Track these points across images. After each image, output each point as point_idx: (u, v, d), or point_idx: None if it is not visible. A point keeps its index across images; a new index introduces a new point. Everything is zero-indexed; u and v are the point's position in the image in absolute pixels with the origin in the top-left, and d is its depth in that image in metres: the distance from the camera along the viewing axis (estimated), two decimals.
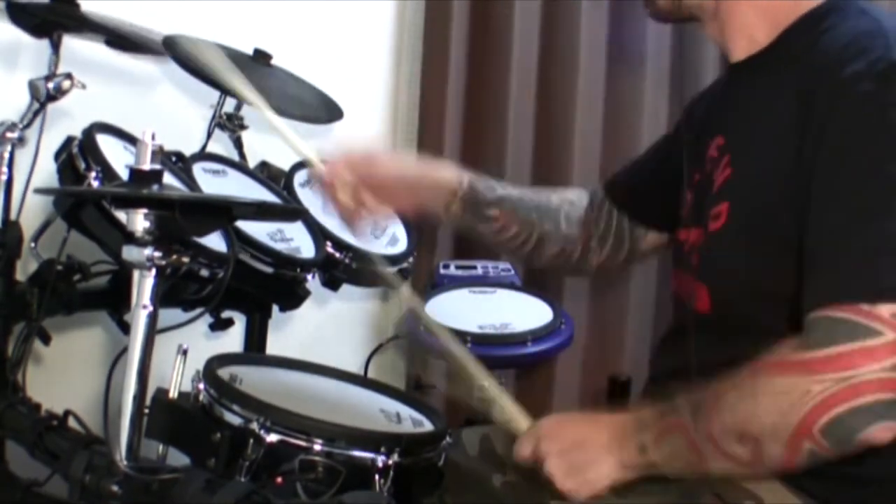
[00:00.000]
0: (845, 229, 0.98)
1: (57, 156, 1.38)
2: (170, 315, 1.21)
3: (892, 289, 0.93)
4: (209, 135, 1.72)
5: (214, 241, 1.37)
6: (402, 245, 1.72)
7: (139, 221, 1.06)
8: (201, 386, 1.15)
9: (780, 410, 0.95)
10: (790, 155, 1.03)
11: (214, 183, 1.55)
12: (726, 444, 0.99)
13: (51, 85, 1.38)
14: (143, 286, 1.07)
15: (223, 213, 1.15)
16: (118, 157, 1.36)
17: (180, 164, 1.52)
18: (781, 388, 0.95)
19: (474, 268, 1.99)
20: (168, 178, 1.35)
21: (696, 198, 1.22)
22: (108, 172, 1.32)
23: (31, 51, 1.55)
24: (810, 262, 1.00)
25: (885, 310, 0.93)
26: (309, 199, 1.64)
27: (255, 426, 1.08)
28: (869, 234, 0.96)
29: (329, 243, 1.58)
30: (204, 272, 1.33)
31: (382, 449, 1.09)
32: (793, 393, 0.94)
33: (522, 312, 1.78)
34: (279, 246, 1.49)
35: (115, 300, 1.49)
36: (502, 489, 1.22)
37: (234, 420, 1.11)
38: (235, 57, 1.71)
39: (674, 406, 1.04)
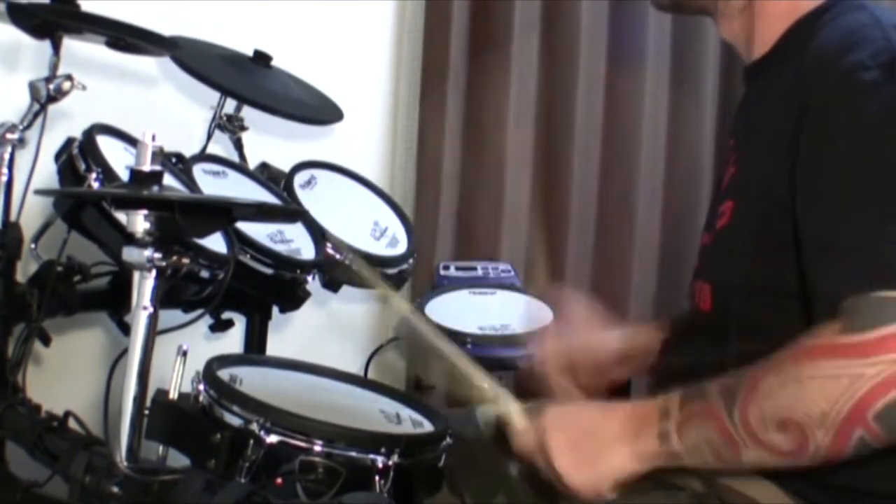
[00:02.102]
0: (875, 216, 0.94)
1: (57, 157, 1.38)
2: (170, 316, 1.21)
3: None
4: (209, 136, 1.72)
5: (214, 243, 1.37)
6: (402, 246, 1.71)
7: (139, 222, 1.06)
8: (201, 387, 1.15)
9: (829, 396, 0.89)
10: (789, 148, 1.01)
11: (214, 184, 1.55)
12: (765, 433, 0.92)
13: (51, 86, 1.37)
14: (144, 287, 1.07)
15: (223, 214, 1.15)
16: (118, 158, 1.36)
17: (180, 165, 1.52)
18: (830, 371, 0.89)
19: (474, 269, 1.99)
20: (168, 180, 1.35)
21: (712, 201, 1.22)
22: (108, 173, 1.32)
23: (31, 52, 1.55)
24: (832, 252, 0.95)
25: None
26: (309, 200, 1.64)
27: (254, 427, 1.08)
28: None
29: (329, 244, 1.58)
30: (204, 273, 1.33)
31: (382, 450, 1.09)
32: (843, 377, 0.88)
33: (522, 313, 1.78)
34: (279, 247, 1.49)
35: (116, 301, 1.49)
36: (519, 479, 1.21)
37: (234, 421, 1.11)
38: (236, 58, 1.72)
39: (700, 391, 0.98)
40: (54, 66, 1.39)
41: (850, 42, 1.01)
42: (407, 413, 1.28)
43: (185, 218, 1.06)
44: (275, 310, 1.69)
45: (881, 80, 0.97)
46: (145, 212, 1.06)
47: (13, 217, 1.38)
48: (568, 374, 1.35)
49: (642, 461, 1.01)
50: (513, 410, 1.16)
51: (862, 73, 0.97)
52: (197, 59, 1.62)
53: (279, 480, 1.06)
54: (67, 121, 1.49)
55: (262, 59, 1.72)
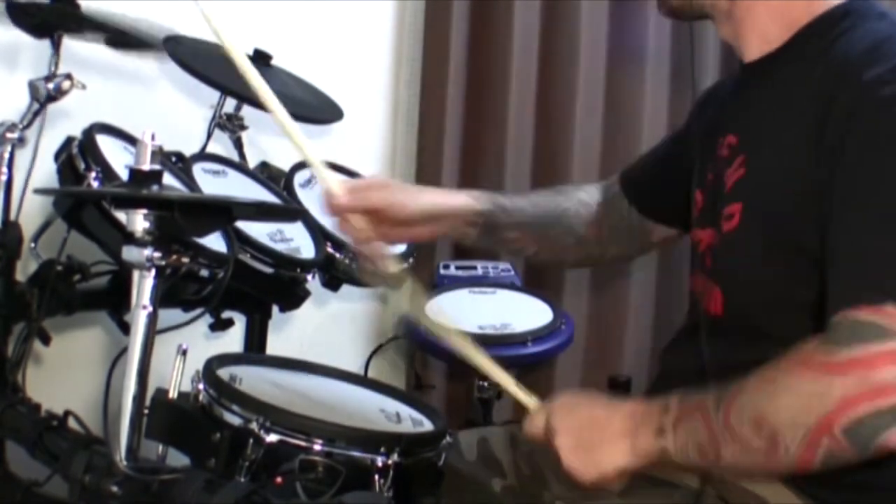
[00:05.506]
0: (871, 233, 0.96)
1: (57, 156, 1.38)
2: (170, 315, 1.21)
3: None
4: (209, 135, 1.72)
5: (214, 242, 1.37)
6: (401, 246, 1.71)
7: (139, 222, 1.06)
8: (201, 386, 1.16)
9: (800, 407, 0.94)
10: (807, 157, 1.02)
11: (214, 183, 1.55)
12: (740, 426, 0.97)
13: (51, 85, 1.38)
14: (143, 286, 1.07)
15: (223, 213, 1.15)
16: (118, 157, 1.36)
17: (180, 164, 1.52)
18: (803, 386, 0.94)
19: (474, 268, 1.99)
20: (168, 179, 1.35)
21: (708, 197, 1.21)
22: (107, 173, 1.32)
23: (31, 51, 1.55)
24: (833, 265, 0.99)
25: None
26: (309, 199, 1.64)
27: (254, 426, 1.08)
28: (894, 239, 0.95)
29: (329, 243, 1.58)
30: (204, 272, 1.33)
31: (382, 449, 1.10)
32: (814, 392, 0.93)
33: (522, 313, 1.78)
34: (279, 246, 1.49)
35: (115, 300, 1.49)
36: (502, 494, 1.22)
37: (234, 420, 1.11)
38: None
39: (699, 392, 1.02)
40: (54, 66, 1.39)
41: (871, 56, 1.01)
42: (407, 412, 1.28)
43: (184, 217, 1.06)
44: (275, 309, 1.69)
45: None
46: (145, 211, 1.06)
47: (13, 216, 1.39)
48: (369, 221, 1.30)
49: (639, 456, 1.04)
50: (524, 397, 1.17)
51: (879, 89, 0.98)
52: (197, 59, 1.62)
53: (279, 480, 1.06)
54: (67, 120, 1.49)
55: (262, 58, 1.72)
